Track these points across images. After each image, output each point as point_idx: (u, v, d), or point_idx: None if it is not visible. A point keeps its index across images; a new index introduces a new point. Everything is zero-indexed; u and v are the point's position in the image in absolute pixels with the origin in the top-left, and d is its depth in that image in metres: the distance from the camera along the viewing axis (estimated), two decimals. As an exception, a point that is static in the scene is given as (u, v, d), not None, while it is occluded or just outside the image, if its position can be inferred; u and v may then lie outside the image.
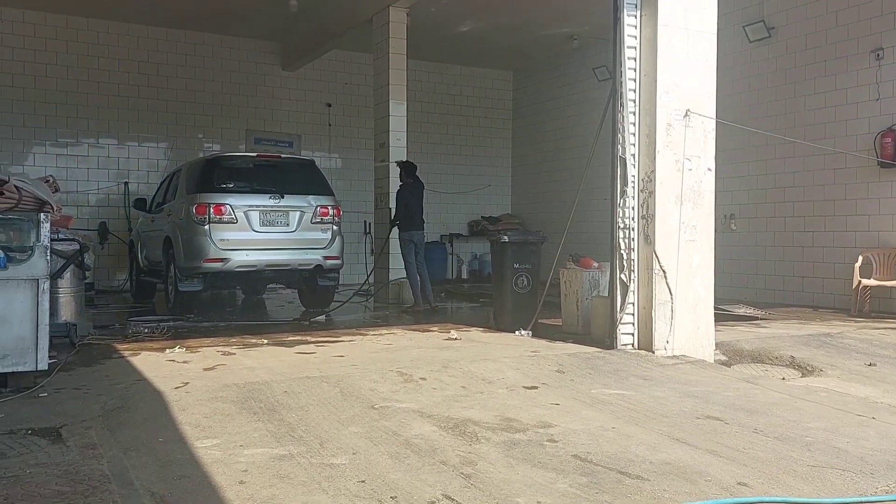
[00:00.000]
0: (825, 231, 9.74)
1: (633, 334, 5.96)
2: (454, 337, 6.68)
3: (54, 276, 5.67)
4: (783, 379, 5.51)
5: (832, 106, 9.66)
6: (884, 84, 9.11)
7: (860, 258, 9.11)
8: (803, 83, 10.01)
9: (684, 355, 5.80)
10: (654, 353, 5.78)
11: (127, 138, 12.34)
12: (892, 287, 8.87)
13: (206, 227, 8.04)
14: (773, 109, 10.29)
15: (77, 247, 5.94)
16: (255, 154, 9.23)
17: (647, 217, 5.90)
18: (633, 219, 5.95)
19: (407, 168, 9.49)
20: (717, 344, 6.13)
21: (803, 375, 5.66)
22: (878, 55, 9.16)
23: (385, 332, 7.23)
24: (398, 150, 10.17)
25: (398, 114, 10.22)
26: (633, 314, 5.95)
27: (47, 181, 4.76)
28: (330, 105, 13.70)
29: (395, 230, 9.60)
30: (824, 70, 9.78)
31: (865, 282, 8.91)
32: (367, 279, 10.54)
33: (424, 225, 9.58)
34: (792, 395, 4.68)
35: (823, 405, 4.42)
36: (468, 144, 15.01)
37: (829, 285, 9.65)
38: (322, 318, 8.49)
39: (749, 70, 10.57)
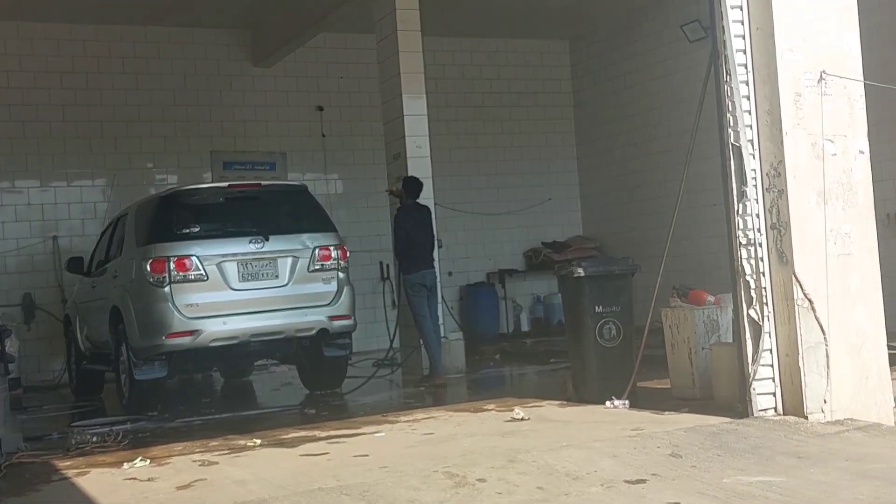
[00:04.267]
0: None
1: (773, 394, 5.88)
2: (520, 416, 6.62)
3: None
4: None
5: None
6: None
7: None
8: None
9: (851, 419, 5.69)
10: (806, 418, 5.69)
11: (51, 177, 12.58)
12: None
13: (167, 288, 8.11)
14: (942, 59, 10.11)
15: (-6, 332, 6.03)
16: (225, 184, 9.31)
17: (779, 226, 5.83)
18: (758, 229, 5.89)
19: (409, 186, 9.59)
20: (896, 399, 6.00)
21: None
22: None
23: (422, 415, 7.17)
24: (419, 161, 10.21)
25: (416, 112, 10.29)
26: (771, 365, 5.87)
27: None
28: (322, 108, 13.84)
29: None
30: None
31: None
32: (392, 344, 10.50)
33: (437, 262, 9.75)
34: None
35: None
36: (515, 145, 15.02)
37: None
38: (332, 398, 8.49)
39: (902, 8, 10.43)
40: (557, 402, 7.26)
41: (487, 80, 14.90)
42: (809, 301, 5.74)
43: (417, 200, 9.67)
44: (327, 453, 5.88)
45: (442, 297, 10.55)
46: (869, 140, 6.04)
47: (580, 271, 7.16)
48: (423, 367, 9.71)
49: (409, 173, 10.01)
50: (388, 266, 13.08)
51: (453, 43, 14.51)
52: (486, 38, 14.80)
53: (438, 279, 9.93)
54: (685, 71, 12.85)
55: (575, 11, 13.97)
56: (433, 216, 9.93)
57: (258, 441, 6.45)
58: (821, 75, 5.86)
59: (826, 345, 5.74)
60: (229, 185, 9.15)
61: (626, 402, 6.78)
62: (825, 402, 5.70)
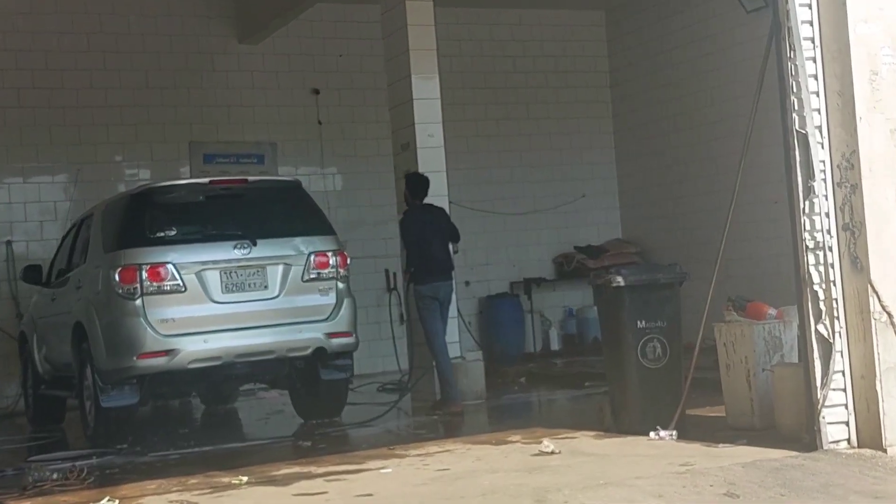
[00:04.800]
0: None
1: (846, 423, 5.88)
2: (549, 449, 6.61)
3: None
4: None
5: None
6: None
7: None
8: None
9: (938, 452, 5.68)
10: (885, 451, 5.68)
11: (4, 172, 12.64)
12: None
13: (138, 301, 8.15)
14: None
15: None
16: (206, 180, 9.35)
17: (852, 226, 5.83)
18: (828, 231, 5.89)
19: (412, 185, 9.62)
20: None
21: None
22: None
23: (435, 448, 7.18)
24: (431, 152, 10.23)
25: (427, 95, 10.30)
26: (843, 389, 5.87)
27: None
28: (318, 92, 13.88)
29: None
30: None
31: None
32: (412, 369, 10.49)
33: (454, 270, 9.81)
34: None
35: None
36: (543, 133, 15.02)
37: None
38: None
39: None
40: (593, 433, 7.24)
41: (510, 57, 14.90)
42: (888, 314, 5.72)
43: (427, 201, 9.68)
44: (325, 493, 5.89)
45: (458, 310, 10.56)
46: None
47: (619, 280, 7.15)
48: (435, 391, 9.72)
49: (420, 166, 10.04)
50: (395, 274, 13.09)
51: (470, 14, 14.53)
52: (508, 8, 14.81)
53: (455, 292, 9.93)
54: (741, 46, 12.83)
55: (612, -23, 13.97)
56: (447, 216, 9.92)
57: (245, 478, 6.45)
58: (900, 50, 5.86)
59: (908, 365, 5.72)
60: (211, 182, 9.18)
61: (674, 432, 6.75)
62: (907, 432, 5.68)
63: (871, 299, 5.73)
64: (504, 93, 14.79)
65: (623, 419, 7.22)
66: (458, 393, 9.41)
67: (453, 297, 9.97)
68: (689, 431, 6.81)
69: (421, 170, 10.02)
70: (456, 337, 10.16)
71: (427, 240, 9.51)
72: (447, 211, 10.00)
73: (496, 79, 14.75)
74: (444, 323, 9.66)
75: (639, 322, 7.12)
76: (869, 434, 5.76)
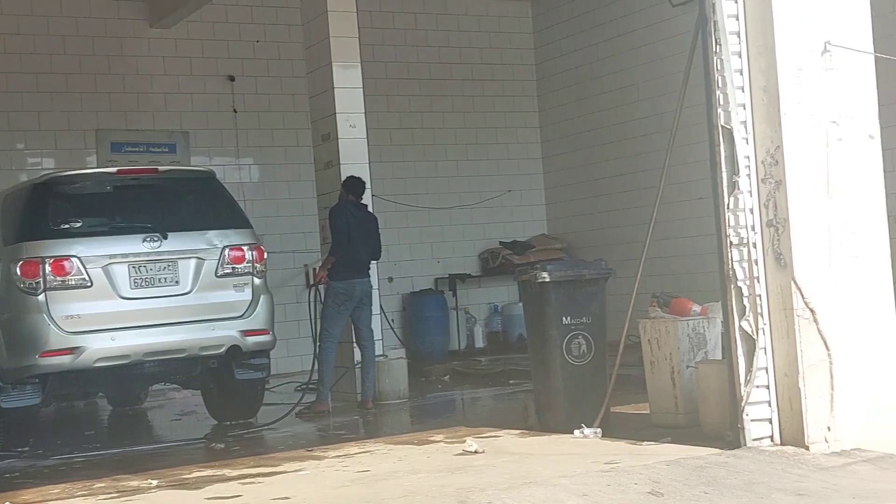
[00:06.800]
0: None
1: (769, 420, 5.98)
2: (472, 449, 6.68)
3: None
4: None
5: None
6: None
7: None
8: None
9: (859, 449, 5.79)
10: (807, 448, 5.78)
11: None
12: None
13: (41, 297, 8.04)
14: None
15: None
16: (114, 169, 9.25)
17: (776, 223, 5.94)
18: (752, 227, 6.00)
19: (348, 183, 9.67)
20: (913, 425, 6.10)
21: None
22: None
23: (356, 449, 7.21)
24: (353, 143, 10.23)
25: (349, 84, 10.30)
26: (767, 386, 5.96)
27: None
28: (233, 79, 13.78)
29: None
30: None
31: None
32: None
33: (373, 269, 9.85)
34: None
35: None
36: (468, 126, 15.07)
37: None
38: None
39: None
40: (517, 432, 7.33)
41: (435, 47, 14.92)
42: (811, 311, 5.82)
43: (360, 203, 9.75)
44: (240, 496, 5.88)
45: (381, 307, 10.58)
46: (880, 123, 6.17)
47: (545, 276, 7.23)
48: (356, 391, 9.74)
49: (342, 157, 10.08)
50: (314, 270, 13.05)
51: (394, 2, 14.54)
52: (432, -5, 14.86)
53: (374, 290, 9.96)
54: (667, 41, 13.00)
55: (539, -34, 14.06)
56: (377, 227, 9.95)
57: (154, 482, 6.43)
58: (825, 46, 5.96)
59: (830, 363, 5.82)
60: (118, 171, 9.09)
61: (599, 430, 6.85)
62: (829, 429, 5.80)
63: (794, 296, 5.83)
64: (428, 84, 14.81)
65: (548, 417, 7.32)
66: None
67: (375, 294, 10.01)
68: (614, 429, 6.92)
69: (343, 161, 10.06)
70: (379, 335, 10.17)
71: (353, 235, 9.51)
72: (374, 214, 10.02)
73: (420, 70, 14.75)
74: (367, 319, 9.67)
75: (564, 318, 7.22)
76: (792, 431, 5.86)
